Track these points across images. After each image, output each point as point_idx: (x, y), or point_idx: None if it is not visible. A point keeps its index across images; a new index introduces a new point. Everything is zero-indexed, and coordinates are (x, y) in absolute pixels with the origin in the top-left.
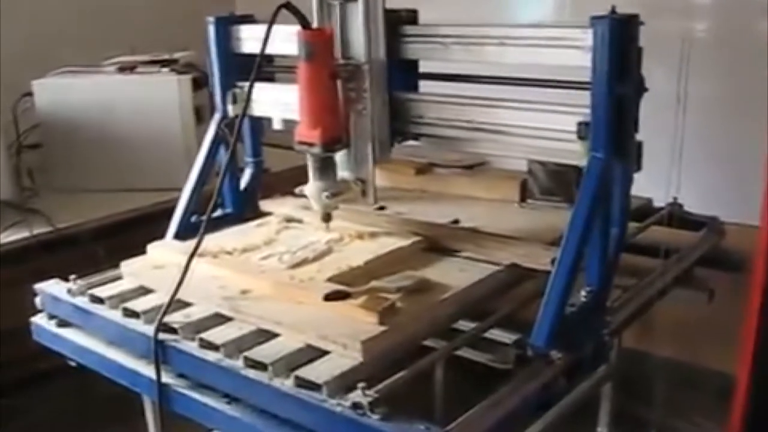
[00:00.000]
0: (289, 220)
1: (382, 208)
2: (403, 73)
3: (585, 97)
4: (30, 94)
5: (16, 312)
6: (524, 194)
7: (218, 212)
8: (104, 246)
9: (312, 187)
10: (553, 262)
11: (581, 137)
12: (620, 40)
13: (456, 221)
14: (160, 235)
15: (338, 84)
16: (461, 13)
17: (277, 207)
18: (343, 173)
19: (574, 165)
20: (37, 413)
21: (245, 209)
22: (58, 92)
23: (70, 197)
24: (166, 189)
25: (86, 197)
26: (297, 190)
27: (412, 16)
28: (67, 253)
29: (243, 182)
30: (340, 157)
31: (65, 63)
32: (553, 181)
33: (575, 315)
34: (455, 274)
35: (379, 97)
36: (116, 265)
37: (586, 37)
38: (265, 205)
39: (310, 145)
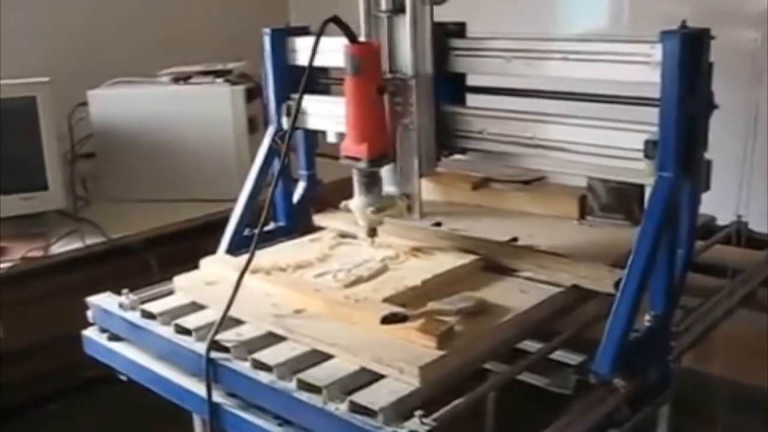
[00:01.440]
0: (343, 235)
1: (438, 224)
2: (450, 86)
3: (650, 113)
4: (85, 103)
5: (68, 320)
6: (583, 211)
7: (271, 225)
8: (156, 255)
9: (357, 201)
10: (616, 285)
11: (648, 156)
12: (691, 56)
13: (514, 239)
14: (213, 247)
15: (385, 98)
16: (514, 26)
17: (330, 221)
18: (388, 188)
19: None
20: (82, 421)
21: (298, 222)
22: (112, 102)
23: (122, 207)
24: (217, 200)
25: (138, 207)
26: (342, 205)
27: (460, 29)
28: (120, 263)
29: (296, 195)
30: (385, 171)
31: (120, 73)
32: (614, 198)
33: (639, 341)
34: (515, 296)
35: (426, 111)
36: (168, 277)
37: (655, 52)
38: (318, 219)
39: (357, 160)
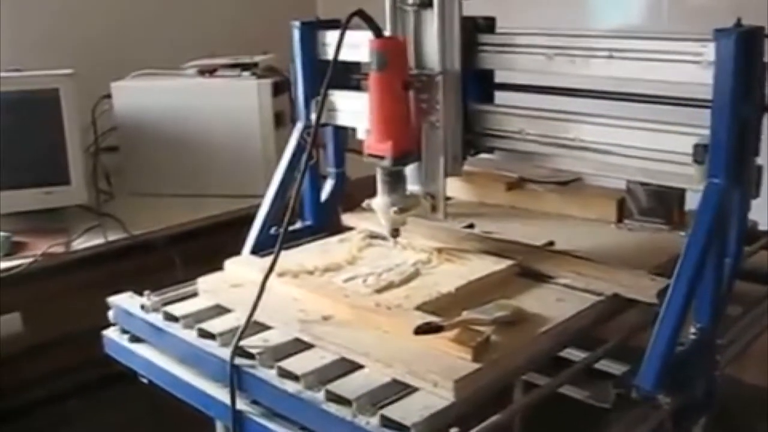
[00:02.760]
0: (373, 236)
1: (470, 225)
2: (477, 84)
3: (698, 115)
4: (109, 95)
5: (88, 316)
6: (622, 214)
7: (298, 224)
8: (180, 252)
9: (380, 201)
10: (659, 295)
11: (698, 161)
12: (747, 56)
13: (551, 243)
14: (238, 244)
15: (410, 94)
16: (549, 20)
17: (359, 222)
18: (412, 187)
19: None
20: (105, 417)
21: (326, 221)
22: (136, 95)
23: (146, 201)
24: (243, 196)
25: (162, 202)
26: (364, 204)
27: (489, 24)
28: (142, 259)
29: (324, 193)
30: (409, 170)
31: (146, 65)
32: (654, 202)
33: (684, 354)
34: (552, 304)
35: (453, 108)
36: (192, 275)
37: (706, 51)
38: (347, 219)
39: (380, 158)
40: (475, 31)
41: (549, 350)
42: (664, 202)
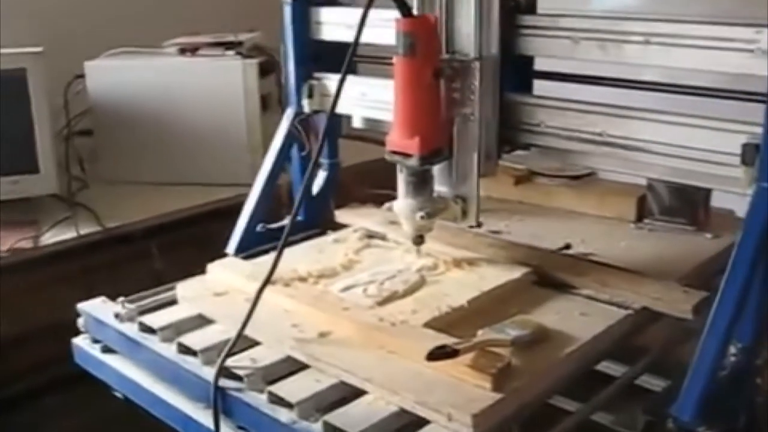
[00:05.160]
0: (370, 236)
1: (477, 224)
2: (514, 72)
3: (747, 111)
4: (82, 75)
5: (61, 310)
6: (641, 213)
7: (286, 220)
8: (159, 245)
9: (404, 204)
10: (695, 310)
11: (746, 162)
12: None
13: (568, 246)
14: (221, 236)
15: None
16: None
17: (355, 219)
18: (439, 188)
19: None
20: (81, 415)
21: (318, 217)
22: (112, 75)
23: (123, 190)
24: (227, 184)
25: (139, 190)
26: (385, 207)
27: (530, 3)
28: (119, 250)
29: (316, 186)
30: (437, 169)
31: (122, 43)
32: (677, 200)
33: (725, 380)
34: (576, 320)
35: (490, 99)
36: (172, 270)
37: (762, 38)
38: (341, 215)
39: (406, 156)
40: (515, 11)
41: (573, 373)
42: (688, 201)
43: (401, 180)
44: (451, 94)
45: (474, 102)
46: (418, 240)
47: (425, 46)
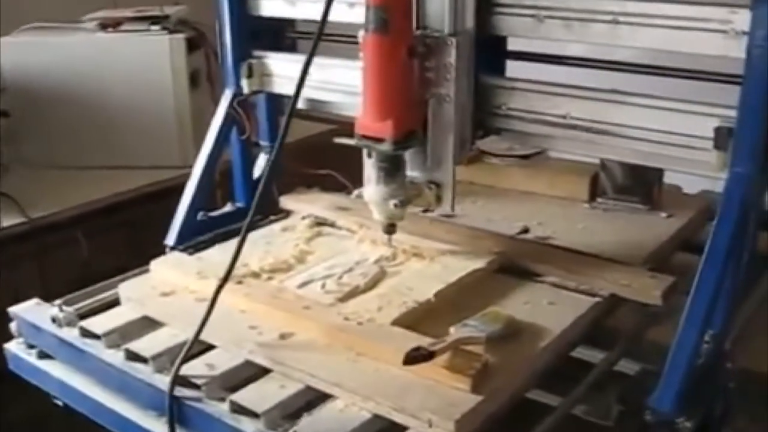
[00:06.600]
0: (320, 223)
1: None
2: (486, 53)
3: (720, 93)
4: None
5: None
6: (594, 192)
7: (227, 207)
8: (87, 233)
9: (375, 192)
10: (664, 296)
11: (719, 147)
12: None
13: (526, 230)
14: (153, 222)
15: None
16: None
17: (301, 205)
18: (412, 174)
19: None
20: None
21: (260, 202)
22: (27, 52)
23: (45, 175)
24: (155, 167)
25: (63, 175)
26: (353, 195)
27: None
28: (44, 240)
29: (257, 170)
30: (409, 153)
31: (38, 17)
32: (631, 178)
33: (702, 368)
34: (545, 309)
35: (465, 79)
36: (101, 259)
37: (737, 18)
38: (286, 201)
39: (378, 140)
40: None
41: (550, 365)
42: (641, 180)
43: (370, 165)
44: (425, 73)
45: (450, 82)
46: (390, 229)
47: (399, 22)
